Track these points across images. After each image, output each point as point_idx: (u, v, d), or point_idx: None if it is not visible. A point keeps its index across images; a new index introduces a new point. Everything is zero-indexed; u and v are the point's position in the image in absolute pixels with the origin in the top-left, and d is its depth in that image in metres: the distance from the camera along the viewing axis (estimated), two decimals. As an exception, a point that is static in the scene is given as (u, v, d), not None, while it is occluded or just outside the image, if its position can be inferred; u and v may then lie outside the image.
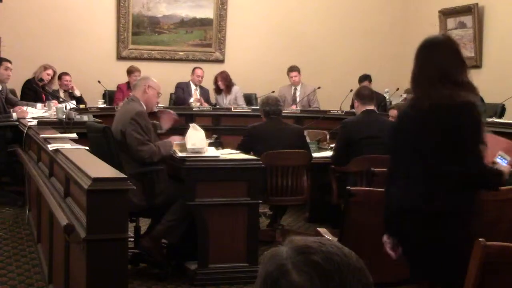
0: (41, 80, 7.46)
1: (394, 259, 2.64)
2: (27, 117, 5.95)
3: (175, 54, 9.27)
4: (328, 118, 7.26)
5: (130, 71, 8.16)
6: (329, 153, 5.41)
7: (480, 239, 2.12)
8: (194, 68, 8.60)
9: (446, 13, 8.56)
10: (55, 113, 5.79)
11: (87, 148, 3.96)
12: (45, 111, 6.38)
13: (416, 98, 2.59)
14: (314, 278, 0.95)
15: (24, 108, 6.40)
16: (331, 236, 3.17)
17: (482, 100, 5.17)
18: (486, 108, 6.13)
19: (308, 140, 5.55)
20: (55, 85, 7.93)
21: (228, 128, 7.42)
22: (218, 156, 4.26)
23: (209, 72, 8.52)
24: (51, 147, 3.88)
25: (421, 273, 2.61)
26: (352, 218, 3.05)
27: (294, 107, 8.09)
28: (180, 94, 8.47)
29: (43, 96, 7.37)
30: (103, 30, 8.91)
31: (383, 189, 2.81)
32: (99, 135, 4.25)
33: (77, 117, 5.67)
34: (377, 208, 2.92)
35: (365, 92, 5.16)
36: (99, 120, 5.62)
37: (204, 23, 9.32)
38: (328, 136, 6.19)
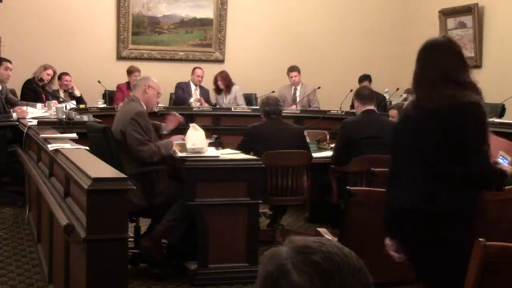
0: (41, 80, 7.46)
1: (399, 261, 2.63)
2: (27, 117, 5.95)
3: (175, 54, 9.27)
4: (328, 118, 7.26)
5: (130, 71, 8.16)
6: (329, 153, 5.41)
7: (480, 239, 2.12)
8: (194, 68, 8.60)
9: (446, 13, 8.56)
10: (55, 113, 5.79)
11: (87, 148, 3.96)
12: (45, 111, 6.38)
13: (418, 99, 2.59)
14: (314, 278, 0.95)
15: (24, 108, 6.40)
16: (331, 236, 3.17)
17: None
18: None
19: (308, 140, 5.55)
20: (55, 85, 7.93)
21: (228, 128, 7.42)
22: (218, 156, 4.26)
23: (209, 72, 8.52)
24: (51, 147, 3.88)
25: (425, 273, 2.60)
26: (352, 218, 3.05)
27: (294, 107, 8.09)
28: (180, 94, 8.48)
29: (43, 96, 7.37)
30: (103, 30, 8.91)
31: (383, 189, 2.81)
32: (99, 135, 4.25)
33: (77, 117, 5.67)
34: (377, 208, 2.92)
35: (365, 92, 5.16)
36: (99, 120, 5.62)
37: (204, 23, 9.32)
38: (328, 136, 6.19)
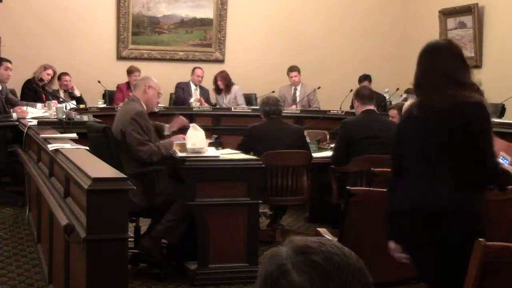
0: (41, 80, 7.46)
1: (407, 262, 2.62)
2: (27, 117, 5.96)
3: (175, 54, 9.27)
4: (328, 118, 7.26)
5: (130, 71, 8.17)
6: (329, 153, 5.41)
7: (480, 239, 2.12)
8: (194, 68, 8.60)
9: (446, 13, 8.56)
10: (55, 113, 5.79)
11: (87, 148, 3.96)
12: (45, 111, 6.38)
13: (420, 100, 2.60)
14: (314, 278, 0.95)
15: (24, 108, 6.40)
16: (331, 236, 3.17)
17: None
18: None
19: (308, 140, 5.55)
20: (55, 85, 7.93)
21: (228, 128, 7.42)
22: (218, 156, 4.26)
23: (209, 72, 8.52)
24: (51, 147, 3.88)
25: (429, 274, 2.60)
26: (352, 218, 3.05)
27: (294, 107, 8.09)
28: (180, 94, 8.48)
29: (43, 96, 7.37)
30: (103, 30, 8.91)
31: (383, 189, 2.80)
32: (99, 135, 4.25)
33: (77, 117, 5.67)
34: (377, 208, 2.92)
35: (365, 92, 5.16)
36: (99, 120, 5.61)
37: (204, 23, 9.32)
38: (328, 136, 6.19)
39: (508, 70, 7.60)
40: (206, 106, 8.07)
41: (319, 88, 8.28)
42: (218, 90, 8.42)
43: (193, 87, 8.55)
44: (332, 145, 5.46)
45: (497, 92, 6.54)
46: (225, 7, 9.27)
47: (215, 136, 5.60)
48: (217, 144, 4.89)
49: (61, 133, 4.94)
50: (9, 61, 6.68)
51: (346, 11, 9.66)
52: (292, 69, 8.38)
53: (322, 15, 9.58)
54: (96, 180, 2.68)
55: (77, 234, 2.75)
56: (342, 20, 9.64)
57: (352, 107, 6.94)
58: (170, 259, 4.39)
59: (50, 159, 4.03)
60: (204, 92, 8.58)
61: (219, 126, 7.55)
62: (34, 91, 7.42)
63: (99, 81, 8.13)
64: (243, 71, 8.92)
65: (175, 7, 9.19)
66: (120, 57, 8.98)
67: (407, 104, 4.39)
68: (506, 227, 2.84)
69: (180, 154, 4.21)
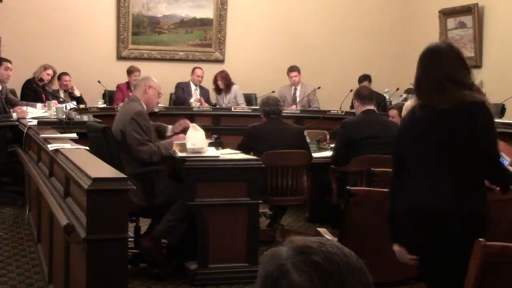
0: (41, 80, 7.46)
1: (414, 263, 2.61)
2: (27, 117, 5.95)
3: (175, 54, 9.26)
4: (328, 118, 7.26)
5: (130, 71, 8.17)
6: (329, 153, 5.41)
7: (480, 239, 2.12)
8: (194, 68, 8.60)
9: (446, 13, 8.56)
10: (55, 113, 5.79)
11: (87, 148, 3.96)
12: (45, 111, 6.38)
13: (422, 101, 2.60)
14: (314, 278, 0.95)
15: (24, 108, 6.40)
16: (331, 236, 3.17)
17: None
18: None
19: (308, 140, 5.55)
20: (55, 85, 7.93)
21: (228, 128, 7.42)
22: (218, 156, 4.26)
23: (209, 72, 8.52)
24: (51, 147, 3.88)
25: (430, 274, 2.59)
26: (352, 218, 3.05)
27: (294, 107, 8.09)
28: (180, 94, 8.48)
29: (43, 96, 7.37)
30: (103, 30, 8.91)
31: (383, 189, 2.80)
32: (99, 135, 4.25)
33: (77, 117, 5.67)
34: (377, 208, 2.92)
35: (364, 92, 5.16)
36: (99, 120, 5.62)
37: (204, 23, 9.32)
38: (328, 136, 6.19)
39: (508, 70, 7.60)
40: (206, 106, 8.07)
41: (319, 88, 8.28)
42: (218, 90, 8.42)
43: (193, 87, 8.55)
44: (332, 145, 5.46)
45: (497, 92, 6.54)
46: (225, 7, 9.27)
47: (215, 136, 5.59)
48: (217, 144, 4.89)
49: (61, 133, 4.94)
50: (9, 61, 6.68)
51: (346, 11, 9.66)
52: (292, 69, 8.38)
53: (322, 15, 9.58)
54: (96, 180, 2.68)
55: (77, 234, 2.75)
56: (342, 20, 9.64)
57: (352, 107, 6.94)
58: (170, 259, 4.39)
59: (50, 159, 4.03)
60: (204, 92, 8.58)
61: (219, 126, 7.55)
62: (34, 91, 7.42)
63: (99, 81, 8.13)
64: (243, 71, 8.92)
65: (175, 7, 9.19)
66: (120, 57, 8.98)
67: (407, 104, 4.39)
68: (506, 227, 2.84)
69: (180, 154, 4.21)
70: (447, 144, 2.50)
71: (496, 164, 2.52)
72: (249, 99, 8.72)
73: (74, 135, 4.75)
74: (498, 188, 2.64)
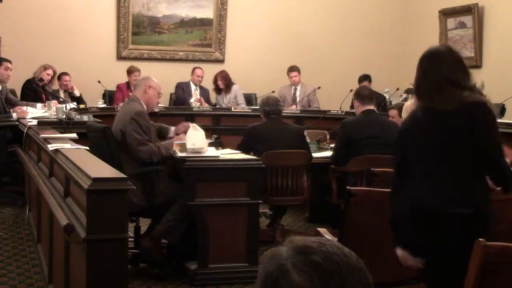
0: (41, 80, 7.46)
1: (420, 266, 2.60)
2: (27, 117, 5.95)
3: (175, 54, 9.26)
4: (328, 118, 7.26)
5: (130, 71, 8.17)
6: (329, 153, 5.41)
7: (480, 239, 2.12)
8: (194, 68, 8.60)
9: (446, 13, 8.56)
10: (55, 113, 5.79)
11: (87, 148, 3.96)
12: (45, 111, 6.38)
13: (422, 103, 2.61)
14: (314, 278, 0.95)
15: (24, 108, 6.40)
16: (331, 236, 3.17)
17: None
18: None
19: (308, 140, 5.55)
20: (55, 85, 7.93)
21: (228, 128, 7.42)
22: (218, 156, 4.25)
23: (209, 72, 8.52)
24: (51, 147, 3.88)
25: (430, 274, 2.58)
26: (352, 218, 3.05)
27: (294, 107, 8.09)
28: (180, 94, 8.48)
29: (43, 96, 7.37)
30: (103, 30, 8.91)
31: (383, 189, 2.80)
32: (99, 135, 4.25)
33: (77, 117, 5.67)
34: (377, 208, 2.92)
35: (364, 92, 5.16)
36: (99, 120, 5.62)
37: (204, 23, 9.32)
38: (328, 136, 6.19)
39: (508, 70, 7.59)
40: (206, 106, 8.07)
41: (319, 88, 8.28)
42: (218, 90, 8.42)
43: (193, 87, 8.55)
44: (332, 145, 5.46)
45: (497, 92, 6.54)
46: (225, 7, 9.27)
47: (215, 136, 5.59)
48: (217, 144, 4.89)
49: (61, 133, 4.94)
50: (9, 61, 6.68)
51: (346, 11, 9.66)
52: (292, 69, 8.38)
53: (322, 15, 9.58)
54: (96, 180, 2.68)
55: (77, 234, 2.75)
56: (342, 20, 9.64)
57: (352, 107, 6.94)
58: (170, 259, 4.39)
59: (50, 159, 4.03)
60: (204, 92, 8.58)
61: (219, 126, 7.55)
62: (34, 91, 7.42)
63: (99, 81, 8.13)
64: (243, 71, 8.92)
65: (175, 7, 9.19)
66: (120, 57, 8.98)
67: (407, 104, 4.39)
68: (506, 227, 2.84)
69: (180, 154, 4.21)
70: (448, 144, 2.50)
71: (498, 164, 2.52)
72: (249, 99, 8.72)
73: (74, 135, 4.75)
74: (499, 188, 2.64)
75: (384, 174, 3.53)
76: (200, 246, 4.12)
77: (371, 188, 3.35)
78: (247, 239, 4.17)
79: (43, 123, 5.48)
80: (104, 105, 7.55)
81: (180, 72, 8.70)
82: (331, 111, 7.66)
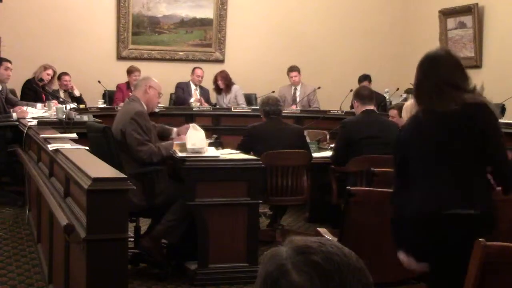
0: (41, 80, 7.46)
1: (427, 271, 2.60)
2: (27, 117, 5.95)
3: (175, 54, 9.26)
4: (328, 118, 7.26)
5: (130, 71, 8.17)
6: (329, 153, 5.41)
7: (480, 239, 2.12)
8: (194, 68, 8.60)
9: (446, 13, 8.56)
10: (55, 113, 5.79)
11: (87, 148, 3.96)
12: (45, 111, 6.38)
13: (423, 106, 2.61)
14: (314, 278, 0.95)
15: (24, 108, 6.40)
16: (331, 236, 3.17)
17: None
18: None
19: (308, 140, 5.55)
20: (55, 85, 7.93)
21: (228, 128, 7.42)
22: (218, 156, 4.25)
23: (209, 72, 8.52)
24: (51, 147, 3.88)
25: (431, 274, 2.58)
26: (352, 218, 3.05)
27: (294, 107, 8.09)
28: (180, 94, 8.48)
29: (43, 96, 7.37)
30: (103, 30, 8.91)
31: (383, 189, 2.80)
32: (99, 135, 4.25)
33: (77, 117, 5.67)
34: (377, 208, 2.92)
35: (364, 92, 5.16)
36: (99, 120, 5.62)
37: (204, 23, 9.32)
38: (328, 136, 6.19)
39: (508, 70, 7.59)
40: (206, 106, 8.07)
41: (319, 88, 8.28)
42: (218, 90, 8.41)
43: (193, 87, 8.55)
44: (332, 145, 5.46)
45: (497, 92, 6.51)
46: (225, 7, 9.27)
47: (215, 136, 5.59)
48: (217, 144, 4.89)
49: (61, 133, 4.94)
50: (9, 61, 6.68)
51: (346, 11, 9.66)
52: (292, 69, 8.38)
53: (322, 15, 9.58)
54: (96, 180, 2.68)
55: (77, 234, 2.75)
56: (342, 20, 9.64)
57: (352, 107, 6.94)
58: (170, 259, 4.39)
59: (50, 159, 4.03)
60: (204, 92, 8.58)
61: (219, 126, 7.54)
62: (34, 91, 7.42)
63: (99, 81, 8.13)
64: (243, 71, 8.92)
65: (175, 7, 9.19)
66: (120, 57, 8.98)
67: (407, 104, 4.39)
68: (506, 227, 2.84)
69: (180, 154, 4.21)
70: (449, 144, 2.51)
71: (502, 164, 2.52)
72: (249, 99, 8.72)
73: (74, 135, 4.74)
74: (499, 188, 2.64)
75: (384, 174, 3.54)
76: (200, 246, 4.12)
77: (371, 188, 3.35)
78: (247, 239, 4.17)
79: (43, 123, 5.48)
80: (104, 105, 7.55)
81: (180, 72, 8.70)
82: (331, 111, 7.66)
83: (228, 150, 4.65)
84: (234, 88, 8.38)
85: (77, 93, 7.98)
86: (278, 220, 5.37)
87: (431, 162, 2.55)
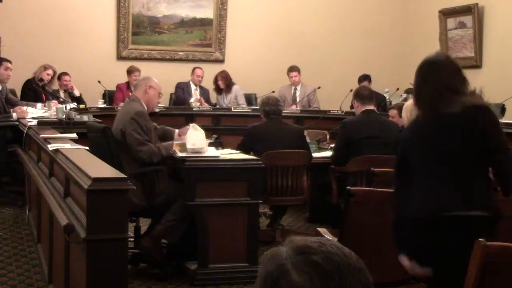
0: (41, 80, 7.46)
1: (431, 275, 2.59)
2: (27, 117, 5.95)
3: (175, 54, 9.26)
4: (328, 118, 7.26)
5: (130, 71, 8.17)
6: (329, 153, 5.41)
7: (480, 239, 2.12)
8: (194, 68, 8.60)
9: (446, 13, 8.56)
10: (55, 113, 5.79)
11: (87, 148, 3.96)
12: (45, 111, 6.38)
13: (423, 109, 2.61)
14: (314, 278, 0.95)
15: (24, 108, 6.40)
16: (331, 236, 3.17)
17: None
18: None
19: (308, 140, 5.55)
20: (55, 85, 7.93)
21: (228, 128, 7.42)
22: (218, 156, 4.25)
23: (209, 72, 8.52)
24: (51, 147, 3.88)
25: (437, 274, 2.58)
26: (352, 218, 3.05)
27: (294, 107, 8.09)
28: (180, 94, 8.48)
29: (43, 96, 7.37)
30: (103, 30, 8.91)
31: (383, 189, 2.80)
32: (99, 135, 4.25)
33: (77, 117, 5.67)
34: (377, 208, 2.92)
35: (364, 92, 5.16)
36: (99, 120, 5.62)
37: (204, 23, 9.32)
38: (328, 136, 6.20)
39: (508, 70, 7.59)
40: (206, 106, 8.07)
41: (319, 88, 8.28)
42: (218, 90, 8.41)
43: (193, 87, 8.55)
44: (332, 145, 5.46)
45: (497, 92, 6.53)
46: (225, 7, 9.27)
47: (215, 136, 5.59)
48: (217, 144, 4.89)
49: (61, 133, 4.94)
50: (9, 61, 6.68)
51: (346, 11, 9.66)
52: (292, 69, 8.38)
53: (322, 15, 9.58)
54: (96, 180, 2.68)
55: (77, 234, 2.75)
56: (342, 20, 9.64)
57: (352, 107, 6.94)
58: (170, 259, 4.39)
59: (50, 159, 4.03)
60: (204, 92, 8.58)
61: (219, 126, 7.55)
62: (34, 91, 7.42)
63: (99, 81, 8.13)
64: (243, 71, 8.92)
65: (175, 7, 9.19)
66: (120, 57, 8.98)
67: (407, 104, 4.38)
68: (506, 227, 2.84)
69: (180, 154, 4.21)
70: (449, 146, 2.51)
71: (503, 164, 2.52)
72: (249, 99, 8.72)
73: (74, 135, 4.74)
74: (498, 189, 2.64)
75: (384, 174, 3.54)
76: (200, 246, 4.12)
77: (371, 188, 3.36)
78: (247, 239, 4.17)
79: (43, 123, 5.48)
80: (104, 105, 7.55)
81: (180, 72, 8.70)
82: (331, 111, 7.66)
83: (228, 150, 4.65)
84: (235, 88, 8.38)
85: (77, 93, 7.98)
86: (278, 220, 5.37)
87: (431, 164, 2.55)
